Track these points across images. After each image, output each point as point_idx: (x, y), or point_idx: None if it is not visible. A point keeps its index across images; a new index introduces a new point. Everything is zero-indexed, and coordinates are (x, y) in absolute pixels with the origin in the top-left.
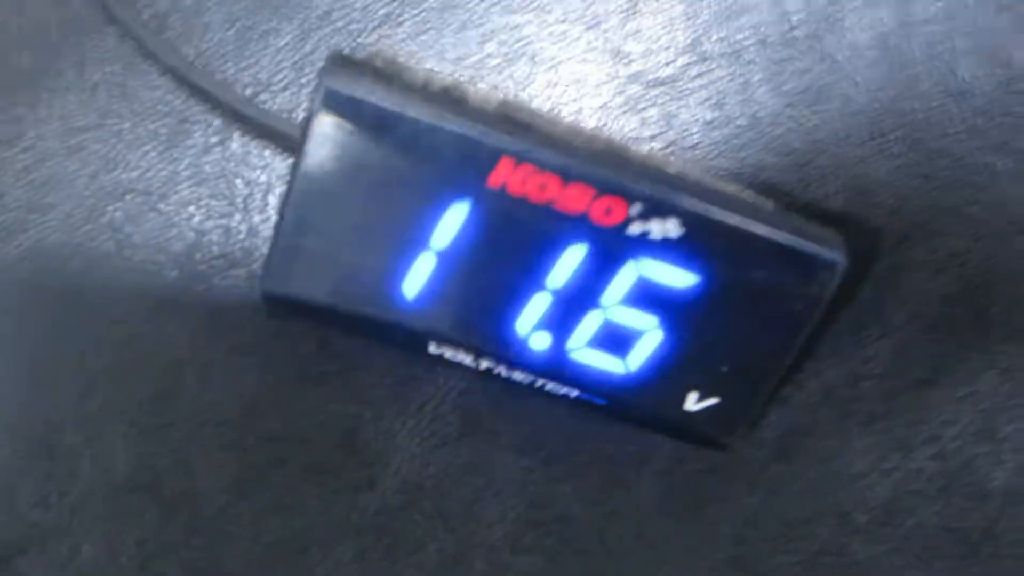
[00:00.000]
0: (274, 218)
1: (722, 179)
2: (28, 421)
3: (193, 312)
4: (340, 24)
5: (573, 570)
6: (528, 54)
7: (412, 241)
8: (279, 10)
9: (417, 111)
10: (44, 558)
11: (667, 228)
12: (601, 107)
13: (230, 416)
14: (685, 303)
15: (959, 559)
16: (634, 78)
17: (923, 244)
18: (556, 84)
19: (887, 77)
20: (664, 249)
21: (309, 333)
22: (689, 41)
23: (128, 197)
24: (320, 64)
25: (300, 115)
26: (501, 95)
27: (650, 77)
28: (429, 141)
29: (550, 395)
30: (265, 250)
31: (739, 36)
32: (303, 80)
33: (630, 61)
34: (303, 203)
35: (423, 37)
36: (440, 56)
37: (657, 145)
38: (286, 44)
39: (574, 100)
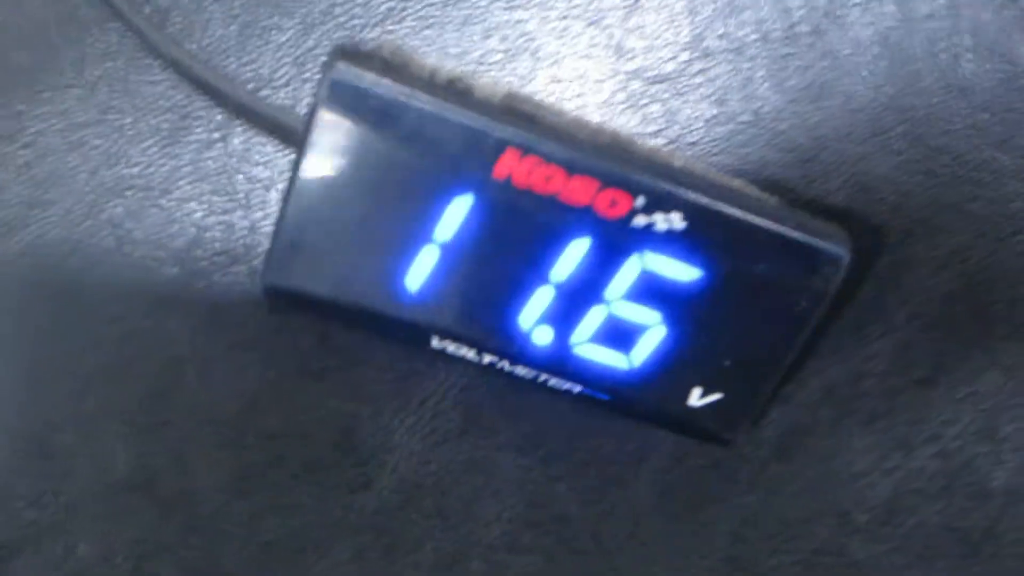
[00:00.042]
0: (275, 215)
1: (726, 174)
2: (24, 419)
3: (193, 308)
4: (342, 20)
5: (571, 570)
6: (530, 50)
7: (415, 234)
8: (280, 6)
9: (422, 102)
10: (39, 558)
11: (671, 221)
12: (603, 103)
13: (228, 414)
14: (689, 297)
15: (960, 559)
16: (636, 74)
17: (925, 241)
18: (558, 80)
19: (889, 73)
20: (668, 242)
21: (309, 328)
22: (691, 37)
23: (129, 193)
24: (322, 60)
25: (303, 111)
26: (507, 87)
27: (652, 73)
28: (434, 132)
29: (553, 390)
30: (266, 247)
31: (741, 32)
32: (304, 76)
33: (632, 57)
34: (305, 195)
35: (425, 32)
36: (442, 52)
37: (660, 141)
38: (287, 40)
39: (576, 96)
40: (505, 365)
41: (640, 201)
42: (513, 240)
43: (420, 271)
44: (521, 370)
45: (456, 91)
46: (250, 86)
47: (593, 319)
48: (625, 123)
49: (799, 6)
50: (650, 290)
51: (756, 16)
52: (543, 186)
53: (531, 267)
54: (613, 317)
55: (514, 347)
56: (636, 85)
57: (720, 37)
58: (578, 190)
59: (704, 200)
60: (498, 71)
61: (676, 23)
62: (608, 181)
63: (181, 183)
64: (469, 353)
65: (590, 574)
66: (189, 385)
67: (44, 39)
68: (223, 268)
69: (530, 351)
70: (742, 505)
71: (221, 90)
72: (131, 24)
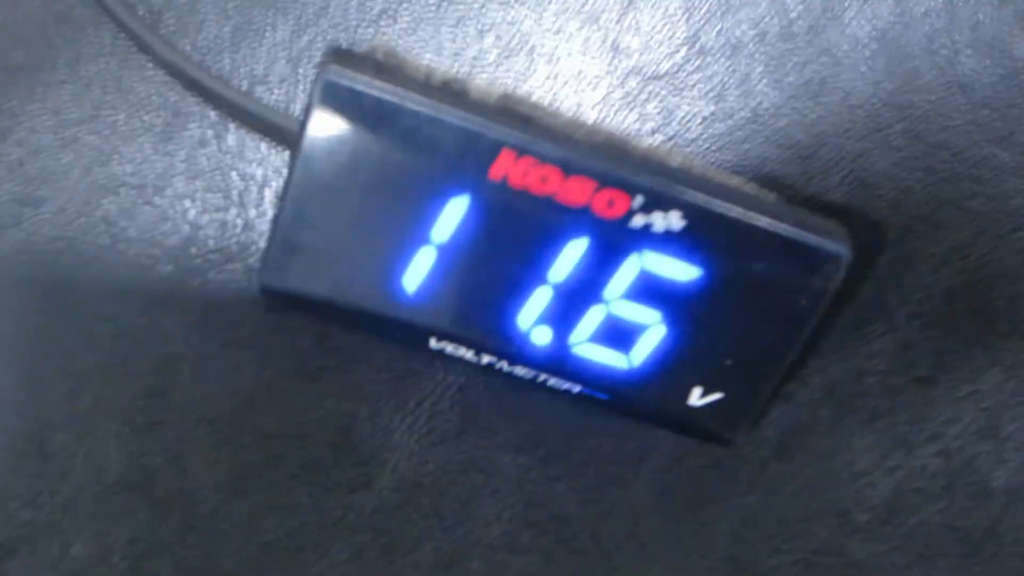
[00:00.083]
0: (270, 213)
1: (724, 172)
2: (19, 418)
3: (188, 307)
4: (336, 19)
5: (570, 570)
6: (526, 48)
7: (412, 235)
8: (274, 5)
9: (417, 104)
10: (36, 558)
11: (670, 221)
12: (600, 101)
13: (224, 413)
14: (688, 297)
15: (961, 558)
16: (633, 72)
17: (925, 238)
18: (554, 78)
19: (888, 70)
20: (667, 242)
21: (307, 328)
22: (688, 34)
23: (122, 191)
24: (316, 59)
25: (296, 111)
26: (502, 88)
27: (649, 71)
28: (430, 134)
29: (552, 390)
30: (261, 245)
31: (739, 29)
32: (299, 75)
33: (628, 55)
34: (302, 196)
35: (420, 31)
36: (437, 50)
37: (657, 139)
38: (281, 39)
39: (573, 94)
40: (504, 365)
41: (638, 201)
42: (510, 241)
43: (417, 272)
44: (520, 370)
45: (451, 92)
46: (244, 85)
47: (592, 319)
48: (622, 121)
49: (797, 3)
50: (649, 290)
51: (753, 13)
52: (539, 187)
53: (529, 267)
54: (612, 317)
55: (513, 347)
56: (633, 83)
57: (717, 34)
58: (575, 191)
59: (703, 199)
60: (493, 70)
61: (672, 20)
62: (605, 181)
63: (175, 181)
64: (468, 354)
65: (589, 574)
66: (184, 384)
67: (39, 38)
68: (218, 266)
69: (529, 351)
70: (742, 505)
71: (215, 91)
72: (125, 27)
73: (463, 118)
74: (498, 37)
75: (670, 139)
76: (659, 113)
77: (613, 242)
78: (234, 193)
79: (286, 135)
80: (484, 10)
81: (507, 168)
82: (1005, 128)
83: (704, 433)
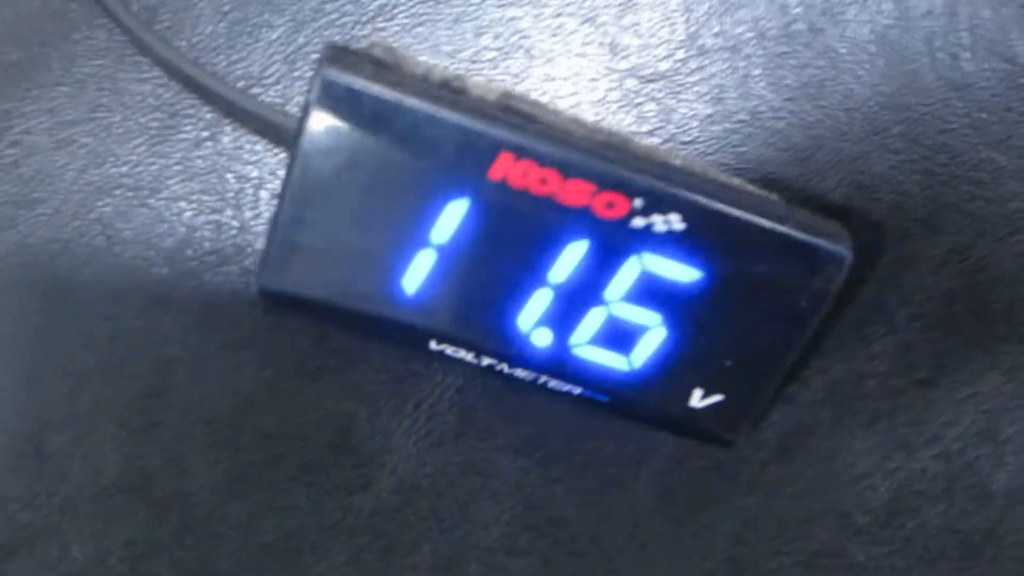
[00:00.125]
0: (266, 214)
1: (724, 173)
2: (17, 420)
3: (184, 308)
4: (333, 17)
5: (569, 572)
6: (524, 48)
7: (411, 236)
8: (271, 3)
9: (417, 103)
10: (34, 559)
11: (670, 222)
12: (598, 102)
13: (222, 414)
14: (689, 298)
15: (961, 561)
16: (631, 72)
17: (924, 240)
18: (552, 78)
19: (887, 72)
20: (667, 243)
21: (306, 328)
22: (687, 35)
23: (118, 192)
24: (313, 57)
25: (293, 109)
26: (501, 87)
27: (648, 71)
28: (428, 134)
29: (552, 392)
30: (257, 246)
31: (738, 30)
32: (295, 74)
33: (627, 55)
34: (300, 197)
35: (418, 30)
36: (435, 49)
37: (655, 140)
38: (278, 37)
39: (571, 94)
40: (504, 367)
41: (638, 203)
42: (510, 242)
43: (417, 274)
44: (520, 372)
45: (450, 92)
46: (240, 84)
47: (592, 321)
48: (620, 122)
49: (796, 3)
50: (650, 291)
51: (752, 14)
52: (539, 188)
53: (529, 269)
54: (613, 319)
55: (513, 349)
56: (631, 83)
57: (716, 35)
58: (575, 192)
59: (703, 200)
60: (491, 69)
61: (671, 20)
62: (605, 183)
63: (170, 182)
64: (467, 355)
65: None
66: (182, 385)
67: (34, 36)
68: (214, 267)
69: (529, 353)
70: (743, 506)
71: (211, 89)
72: (120, 23)
73: (462, 118)
74: (496, 36)
75: (668, 140)
76: (657, 114)
77: (613, 244)
78: (230, 194)
79: (283, 134)
80: (482, 9)
81: (506, 169)
82: (1004, 131)
83: (705, 435)
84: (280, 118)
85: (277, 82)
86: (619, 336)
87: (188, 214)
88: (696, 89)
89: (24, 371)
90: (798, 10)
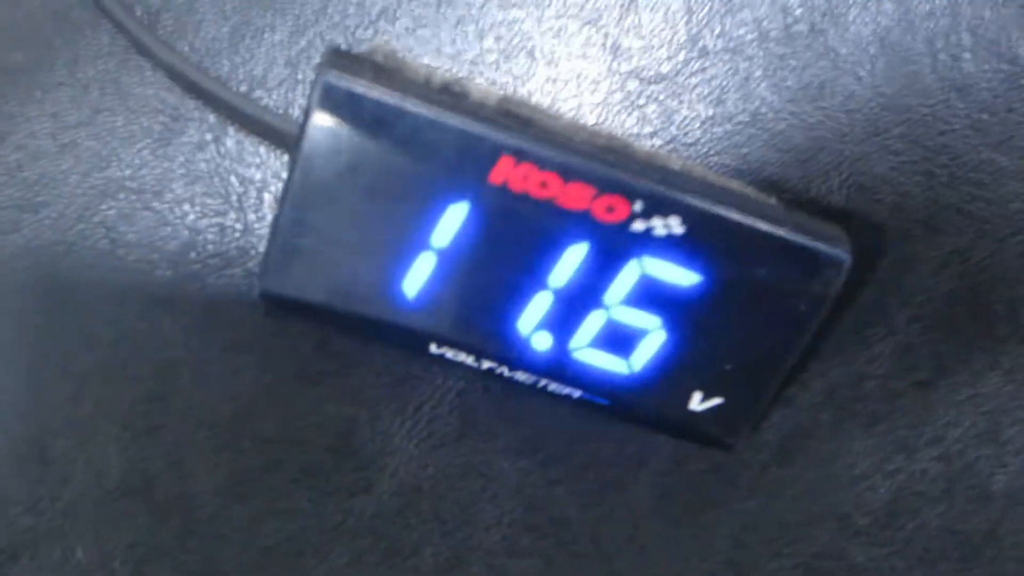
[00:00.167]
0: (269, 217)
1: (724, 176)
2: (20, 423)
3: (188, 311)
4: (335, 20)
5: (570, 574)
6: (526, 50)
7: (412, 240)
8: (273, 6)
9: (418, 107)
10: (37, 563)
11: (670, 226)
12: (600, 103)
13: (224, 417)
14: (689, 302)
15: (961, 562)
16: (633, 74)
17: (925, 241)
18: (554, 80)
19: (888, 73)
20: (667, 247)
21: (307, 332)
22: (688, 36)
23: (121, 195)
24: (315, 61)
25: (295, 113)
26: (502, 91)
27: (649, 73)
28: (428, 138)
29: (552, 395)
30: (260, 248)
31: (739, 31)
32: (298, 77)
33: (628, 57)
34: (301, 201)
35: (420, 32)
36: (437, 52)
37: (657, 142)
38: (280, 41)
39: (572, 96)
40: (504, 371)
41: (638, 206)
42: (511, 246)
43: (417, 277)
44: (520, 375)
45: (451, 95)
46: (243, 87)
47: (592, 324)
48: (622, 124)
49: (797, 5)
50: (649, 295)
51: (754, 15)
52: (539, 192)
53: (529, 273)
54: (612, 322)
55: (513, 353)
56: (633, 85)
57: (717, 36)
58: (575, 196)
59: (703, 204)
60: (493, 72)
61: (673, 22)
62: (605, 187)
63: (174, 185)
64: (468, 359)
65: None
66: (184, 388)
67: (37, 38)
68: (217, 270)
69: (529, 357)
70: (742, 509)
71: (213, 93)
72: (123, 28)
73: (462, 122)
74: (498, 38)
75: (669, 142)
76: (658, 116)
77: (613, 247)
78: (233, 197)
79: (285, 138)
80: (484, 11)
81: (507, 173)
82: (1005, 132)
83: (704, 438)
84: (281, 122)
85: (279, 85)
86: (619, 339)
87: (191, 217)
88: (698, 91)
89: (27, 374)
90: (799, 11)
